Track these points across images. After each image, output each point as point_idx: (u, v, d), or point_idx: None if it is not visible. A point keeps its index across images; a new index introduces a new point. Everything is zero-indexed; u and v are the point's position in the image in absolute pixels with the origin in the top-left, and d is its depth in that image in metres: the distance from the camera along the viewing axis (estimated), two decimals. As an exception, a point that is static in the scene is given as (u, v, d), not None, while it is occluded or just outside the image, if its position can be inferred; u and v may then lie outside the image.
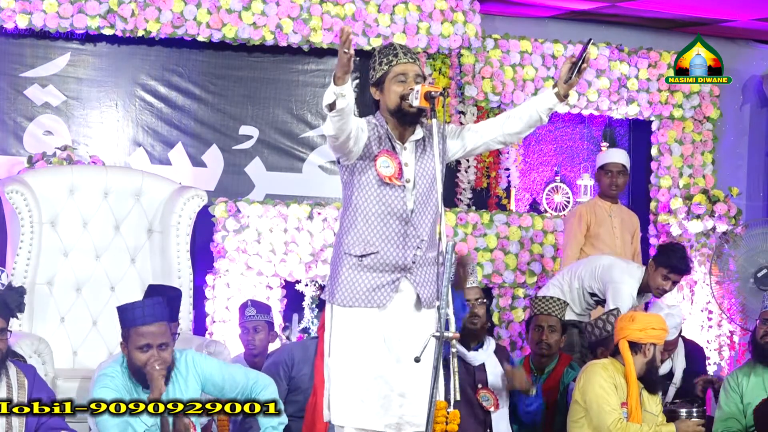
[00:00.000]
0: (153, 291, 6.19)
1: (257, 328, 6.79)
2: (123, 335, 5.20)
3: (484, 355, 6.32)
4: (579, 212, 7.93)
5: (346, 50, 4.35)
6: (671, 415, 6.37)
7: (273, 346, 6.95)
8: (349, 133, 4.56)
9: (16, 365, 5.27)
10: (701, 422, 6.15)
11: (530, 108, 4.76)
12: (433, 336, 4.35)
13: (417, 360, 4.39)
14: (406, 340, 4.69)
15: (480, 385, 6.26)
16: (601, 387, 5.97)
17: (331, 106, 4.46)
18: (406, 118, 4.72)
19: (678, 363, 7.14)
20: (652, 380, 6.09)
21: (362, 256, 4.69)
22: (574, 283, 7.23)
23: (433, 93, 4.57)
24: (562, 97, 4.71)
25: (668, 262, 6.96)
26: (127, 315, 5.16)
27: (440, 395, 4.52)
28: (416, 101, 4.60)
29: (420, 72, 4.71)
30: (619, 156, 8.03)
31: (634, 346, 6.06)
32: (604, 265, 7.15)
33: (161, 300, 5.30)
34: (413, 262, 4.71)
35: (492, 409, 6.21)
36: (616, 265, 7.15)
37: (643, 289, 7.10)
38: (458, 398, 4.38)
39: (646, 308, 7.29)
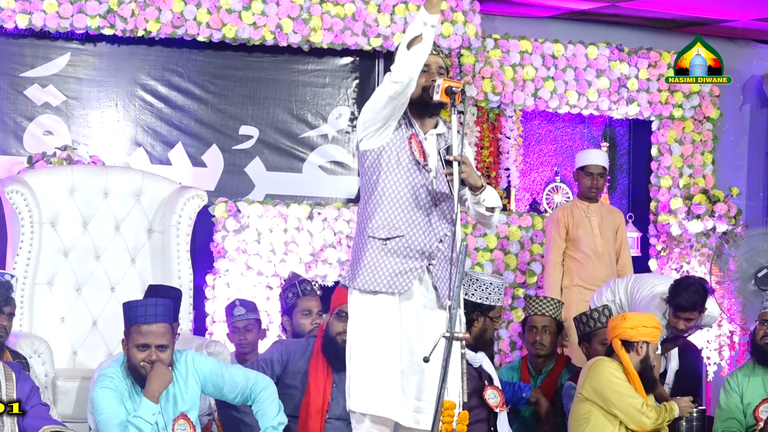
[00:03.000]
0: (153, 291, 6.19)
1: (248, 326, 6.82)
2: (125, 332, 5.21)
3: (480, 355, 6.37)
4: (557, 216, 7.90)
5: None
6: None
7: (263, 345, 6.96)
8: (412, 81, 4.59)
9: (1, 362, 5.29)
10: (691, 399, 6.27)
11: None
12: (443, 336, 4.36)
13: (426, 360, 4.40)
14: (424, 335, 4.68)
15: (486, 382, 6.26)
16: (615, 376, 6.01)
17: (410, 44, 4.50)
18: (426, 110, 4.76)
19: (671, 365, 7.14)
20: (647, 378, 6.11)
21: (387, 239, 4.70)
22: (623, 300, 7.09)
23: (454, 88, 4.61)
24: (475, 190, 4.71)
25: (672, 300, 6.68)
26: (131, 312, 5.17)
27: (451, 395, 4.52)
28: (437, 95, 4.64)
29: (443, 64, 4.75)
30: (600, 158, 7.99)
31: (627, 345, 6.08)
32: (644, 296, 6.93)
33: (169, 302, 5.31)
34: (438, 252, 4.72)
35: (498, 409, 6.20)
36: (650, 297, 6.87)
37: None
38: (466, 400, 4.38)
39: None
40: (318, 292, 6.70)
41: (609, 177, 9.04)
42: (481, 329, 6.24)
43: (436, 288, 4.75)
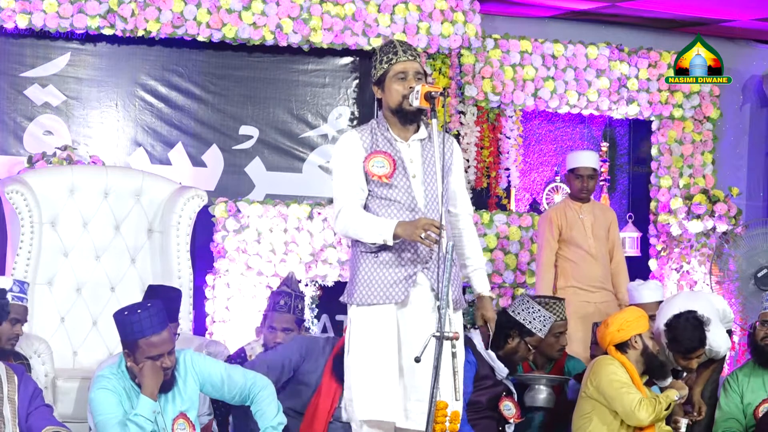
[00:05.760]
0: (153, 291, 6.18)
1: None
2: (129, 346, 5.15)
3: (505, 372, 6.41)
4: (549, 217, 7.86)
5: (428, 241, 4.55)
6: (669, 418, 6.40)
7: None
8: None
9: (4, 364, 5.28)
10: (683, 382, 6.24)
11: (472, 273, 4.95)
12: (434, 336, 4.37)
13: (417, 360, 4.41)
14: (424, 338, 4.70)
15: (504, 393, 6.30)
16: (615, 374, 6.02)
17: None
18: (407, 117, 4.77)
19: None
20: (656, 367, 6.12)
21: (377, 251, 4.72)
22: None
23: (433, 93, 4.62)
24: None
25: (676, 347, 6.35)
26: (134, 327, 5.07)
27: (444, 395, 4.54)
28: (416, 101, 4.66)
29: (420, 69, 4.76)
30: (589, 159, 7.92)
31: (623, 346, 6.09)
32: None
33: (159, 302, 5.27)
34: (430, 257, 4.73)
35: (513, 420, 6.24)
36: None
37: None
38: (459, 398, 4.40)
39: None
40: (287, 309, 6.48)
41: (609, 177, 9.04)
42: (514, 349, 6.29)
43: (434, 290, 4.76)
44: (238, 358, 6.23)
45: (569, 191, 7.99)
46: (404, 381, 4.73)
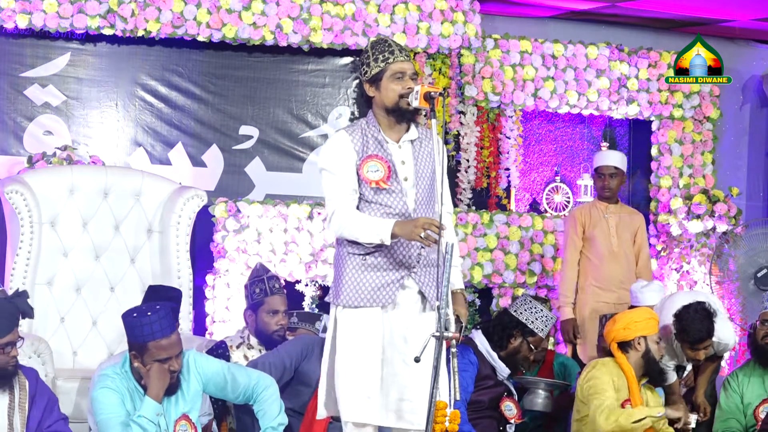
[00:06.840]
0: (153, 291, 6.18)
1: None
2: (137, 348, 5.13)
3: (507, 372, 6.43)
4: (574, 215, 7.90)
5: (428, 240, 4.52)
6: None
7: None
8: None
9: (19, 368, 5.25)
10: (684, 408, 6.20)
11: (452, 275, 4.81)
12: (433, 336, 4.37)
13: (417, 360, 4.41)
14: (411, 339, 4.70)
15: (505, 394, 6.30)
16: (595, 378, 6.00)
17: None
18: (403, 117, 4.76)
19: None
20: (655, 372, 6.10)
21: (366, 254, 4.71)
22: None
23: (432, 93, 4.62)
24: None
25: (684, 337, 6.43)
26: (144, 329, 5.07)
27: (443, 395, 4.54)
28: (416, 101, 4.65)
29: (414, 70, 4.77)
30: (611, 158, 7.95)
31: (625, 345, 6.08)
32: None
33: (168, 305, 5.26)
34: (418, 262, 4.73)
35: (514, 420, 6.25)
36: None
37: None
38: (458, 398, 4.40)
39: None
40: (284, 291, 6.47)
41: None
42: (516, 349, 6.32)
43: (421, 293, 4.76)
44: (219, 349, 6.23)
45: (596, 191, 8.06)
46: (395, 382, 4.73)
